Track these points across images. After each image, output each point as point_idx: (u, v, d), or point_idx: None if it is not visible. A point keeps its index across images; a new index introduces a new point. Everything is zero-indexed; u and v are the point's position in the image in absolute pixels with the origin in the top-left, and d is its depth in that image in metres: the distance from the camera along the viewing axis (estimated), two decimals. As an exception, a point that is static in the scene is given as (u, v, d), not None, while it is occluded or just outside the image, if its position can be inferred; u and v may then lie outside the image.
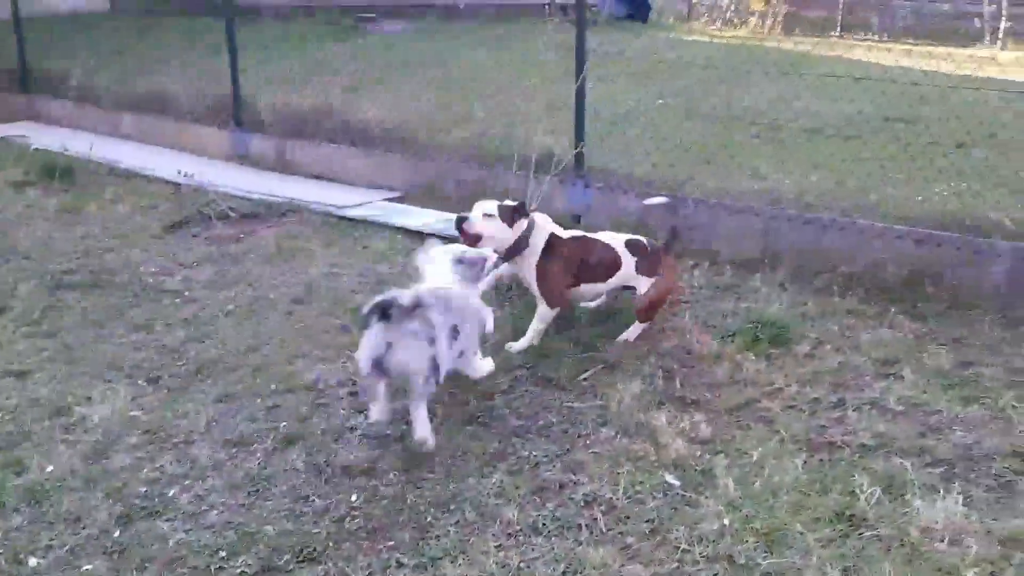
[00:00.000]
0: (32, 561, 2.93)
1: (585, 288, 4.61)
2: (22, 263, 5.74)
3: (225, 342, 4.65)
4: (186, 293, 5.34)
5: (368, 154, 7.62)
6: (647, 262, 4.57)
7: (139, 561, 2.94)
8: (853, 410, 3.93)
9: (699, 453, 3.60)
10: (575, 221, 6.40)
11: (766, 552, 3.00)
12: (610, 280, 4.59)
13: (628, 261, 4.56)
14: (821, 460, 3.54)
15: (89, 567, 2.90)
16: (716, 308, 5.02)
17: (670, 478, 3.43)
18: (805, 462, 3.51)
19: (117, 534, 3.08)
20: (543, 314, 4.53)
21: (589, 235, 4.69)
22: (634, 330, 4.61)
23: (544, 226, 4.59)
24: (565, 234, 4.63)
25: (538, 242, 4.52)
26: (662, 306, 4.65)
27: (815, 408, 3.96)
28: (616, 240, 4.64)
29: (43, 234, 6.34)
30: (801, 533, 3.08)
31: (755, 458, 3.54)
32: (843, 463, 3.52)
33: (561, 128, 6.72)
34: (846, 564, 2.94)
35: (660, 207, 4.48)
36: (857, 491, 3.28)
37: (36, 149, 8.51)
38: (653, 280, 4.55)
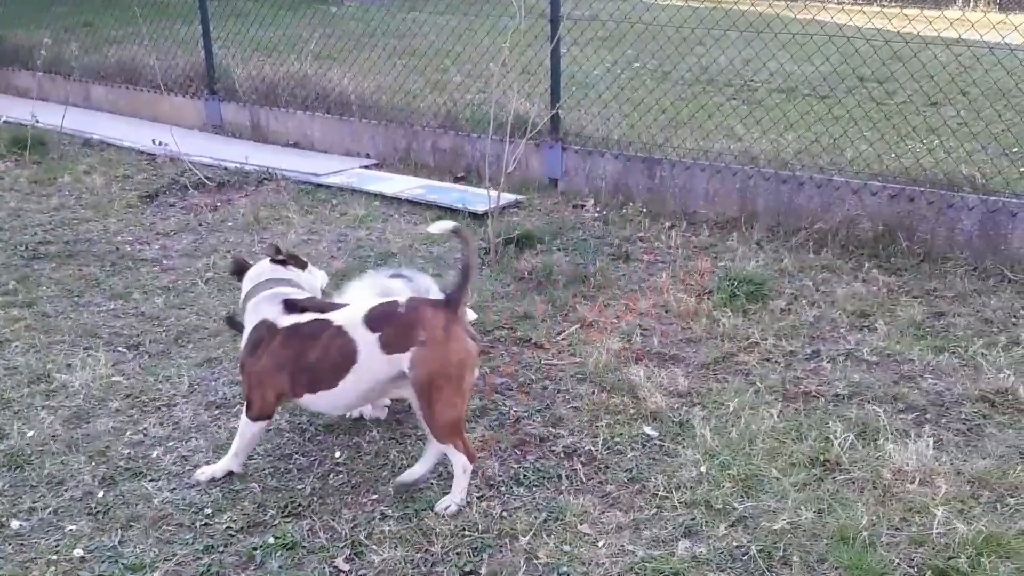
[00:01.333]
0: (15, 523, 2.93)
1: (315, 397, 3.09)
2: (-5, 235, 5.70)
3: (205, 308, 4.65)
4: (164, 262, 5.32)
5: (344, 122, 7.58)
6: (398, 331, 2.94)
7: (124, 520, 2.95)
8: (828, 361, 4.00)
9: (677, 405, 3.65)
10: (553, 185, 6.43)
11: (743, 497, 3.07)
12: (347, 380, 2.99)
13: (367, 342, 2.95)
14: (796, 409, 3.61)
15: (73, 527, 2.91)
16: (693, 267, 5.06)
17: (648, 429, 3.49)
18: (780, 412, 3.57)
19: (101, 495, 3.09)
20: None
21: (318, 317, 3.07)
22: (454, 488, 3.03)
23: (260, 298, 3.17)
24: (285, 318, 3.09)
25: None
26: (459, 403, 2.95)
27: (791, 360, 4.03)
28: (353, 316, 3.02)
29: (15, 206, 6.27)
30: (777, 478, 3.15)
31: (732, 409, 3.60)
32: (818, 412, 3.59)
33: (536, 92, 6.72)
34: (820, 506, 3.01)
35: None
36: (831, 437, 3.35)
37: (5, 121, 8.38)
38: (412, 353, 2.91)
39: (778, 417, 3.53)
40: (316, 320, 3.04)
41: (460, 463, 3.00)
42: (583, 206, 6.06)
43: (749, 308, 4.51)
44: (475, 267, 2.99)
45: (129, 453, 3.35)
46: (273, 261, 3.33)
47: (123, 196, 6.52)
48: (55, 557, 2.77)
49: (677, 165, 5.92)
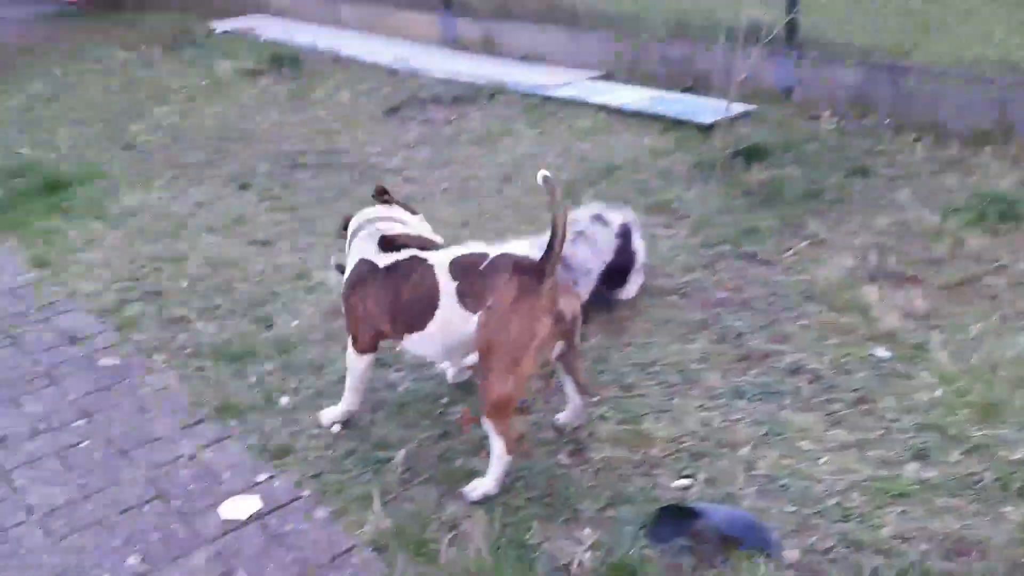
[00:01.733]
0: (283, 400, 3.35)
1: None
2: (260, 145, 6.30)
3: (442, 217, 4.93)
4: (405, 172, 5.68)
5: (573, 33, 7.60)
6: (474, 288, 2.74)
7: (373, 404, 3.29)
8: (1091, 288, 3.67)
9: (912, 328, 3.50)
10: (786, 96, 6.16)
11: (980, 424, 2.93)
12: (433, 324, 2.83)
13: (447, 291, 2.78)
14: (1049, 338, 3.36)
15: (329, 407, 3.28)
16: (939, 184, 4.74)
17: (880, 351, 3.38)
18: (1030, 339, 3.34)
19: (354, 380, 3.45)
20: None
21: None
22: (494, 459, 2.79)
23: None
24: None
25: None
26: (512, 381, 2.67)
27: (1046, 286, 3.73)
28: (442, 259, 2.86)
29: (277, 119, 6.88)
30: (1020, 408, 2.98)
31: (973, 334, 3.41)
32: (1074, 341, 3.32)
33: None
34: (1070, 441, 2.82)
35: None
36: (1088, 369, 3.11)
37: (264, 40, 9.11)
38: (479, 316, 2.71)
39: (1026, 345, 3.31)
40: (413, 257, 2.91)
41: (497, 448, 2.74)
42: (818, 117, 5.77)
43: (999, 228, 4.18)
44: (563, 228, 2.58)
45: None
46: (380, 201, 3.26)
47: (369, 110, 6.96)
48: (316, 431, 3.15)
49: (925, 73, 5.48)
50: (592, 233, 3.72)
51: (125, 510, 2.84)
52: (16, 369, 3.67)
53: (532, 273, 2.65)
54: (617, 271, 3.79)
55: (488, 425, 2.73)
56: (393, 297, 2.90)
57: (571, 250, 3.57)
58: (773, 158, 5.17)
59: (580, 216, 3.77)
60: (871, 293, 3.72)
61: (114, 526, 2.77)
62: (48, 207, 5.27)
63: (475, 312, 2.71)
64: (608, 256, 3.73)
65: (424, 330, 2.84)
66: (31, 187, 5.55)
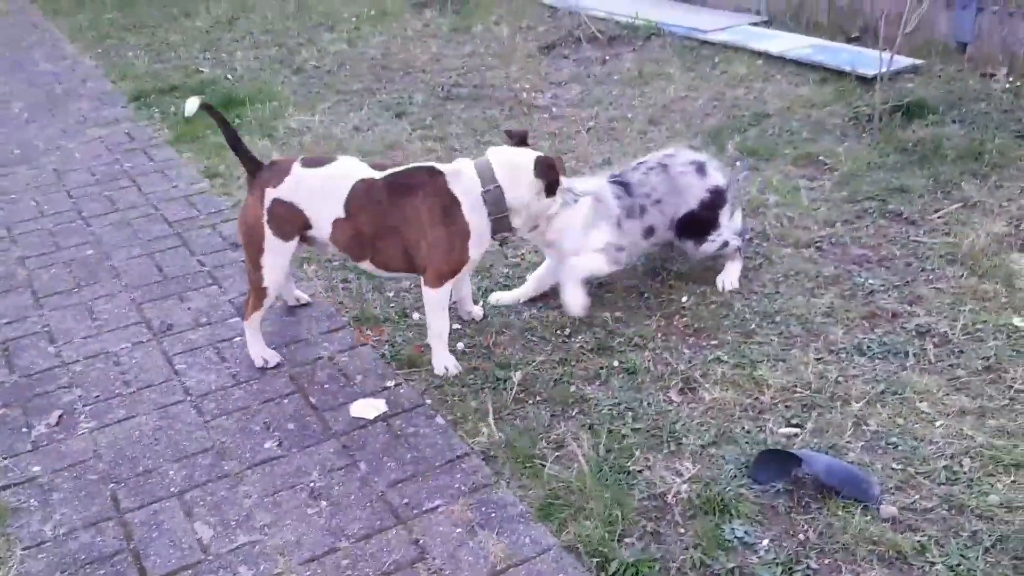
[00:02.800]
0: (415, 316, 3.57)
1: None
2: (418, 76, 6.52)
3: (584, 156, 5.02)
4: (553, 110, 5.76)
5: (739, -24, 7.39)
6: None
7: (497, 326, 3.46)
8: None
9: (1059, 300, 3.35)
10: (960, 50, 5.82)
11: (1116, 405, 2.81)
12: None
13: None
14: None
15: (457, 326, 3.45)
16: (1118, 152, 4.41)
17: (1018, 321, 3.25)
18: None
19: (480, 304, 3.62)
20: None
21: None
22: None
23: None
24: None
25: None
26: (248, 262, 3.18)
27: None
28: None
29: (436, 51, 7.09)
30: None
31: None
32: None
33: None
34: None
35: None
36: None
37: (433, -27, 9.32)
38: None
39: None
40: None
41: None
42: (993, 75, 5.44)
43: None
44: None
45: (508, 272, 3.86)
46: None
47: (524, 46, 7.06)
48: (444, 347, 3.36)
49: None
50: (678, 174, 3.58)
51: (267, 400, 3.14)
52: (184, 267, 4.06)
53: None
54: (697, 224, 3.61)
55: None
56: None
57: (643, 178, 3.56)
58: (935, 115, 4.94)
59: (681, 157, 3.66)
60: (1019, 262, 3.56)
61: (257, 413, 3.08)
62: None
63: None
64: (687, 204, 3.56)
65: None
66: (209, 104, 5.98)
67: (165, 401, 3.16)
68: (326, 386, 3.20)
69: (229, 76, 6.69)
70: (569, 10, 7.59)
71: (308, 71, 6.78)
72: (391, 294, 3.73)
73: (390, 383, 3.18)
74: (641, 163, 3.66)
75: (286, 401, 3.13)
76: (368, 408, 3.06)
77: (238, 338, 3.49)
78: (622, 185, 3.55)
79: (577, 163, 4.90)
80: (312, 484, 2.74)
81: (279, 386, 3.21)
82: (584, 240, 3.40)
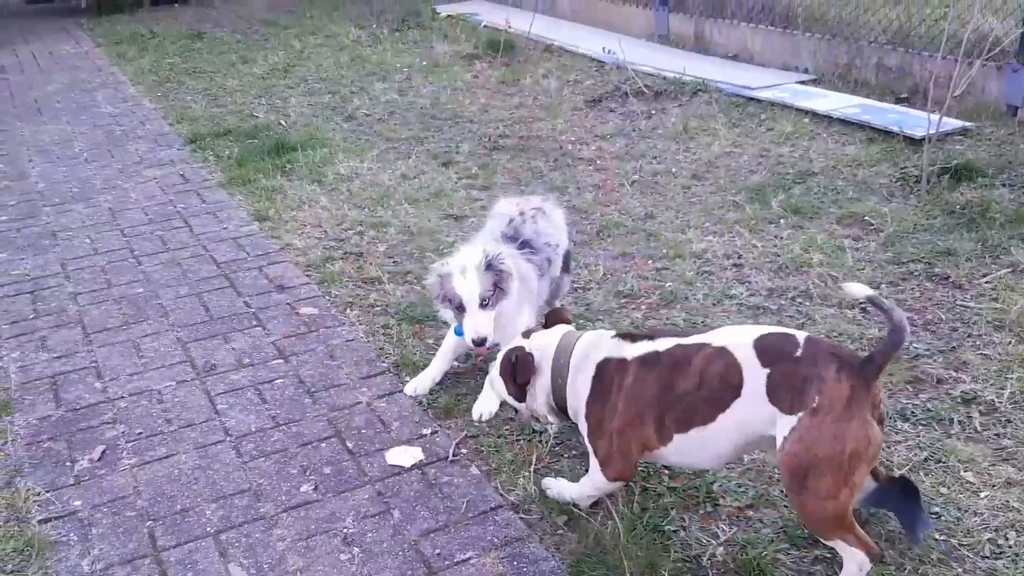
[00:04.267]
0: (454, 363, 3.59)
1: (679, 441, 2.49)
2: (466, 126, 6.64)
3: (626, 208, 5.04)
4: (598, 162, 5.82)
5: (785, 35, 7.44)
6: (788, 381, 2.28)
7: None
8: None
9: (1112, 372, 3.27)
10: (1011, 114, 5.77)
11: None
12: (721, 419, 2.39)
13: (756, 378, 2.33)
14: None
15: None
16: None
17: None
18: None
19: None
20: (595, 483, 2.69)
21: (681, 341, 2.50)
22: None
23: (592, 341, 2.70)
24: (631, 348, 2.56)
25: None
26: (839, 488, 2.24)
27: None
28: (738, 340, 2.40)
29: (484, 102, 7.21)
30: None
31: None
32: None
33: (1007, 7, 5.99)
34: None
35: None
36: None
37: (484, 26, 9.50)
38: (798, 421, 2.25)
39: None
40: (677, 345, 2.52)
41: (855, 561, 2.32)
42: (1044, 140, 5.39)
43: None
44: (906, 331, 2.25)
45: (547, 325, 3.87)
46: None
47: (572, 99, 7.15)
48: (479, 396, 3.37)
49: None
50: (549, 210, 3.57)
51: (305, 444, 3.17)
52: (229, 308, 4.14)
53: (865, 369, 2.23)
54: (568, 256, 3.66)
55: (837, 546, 2.35)
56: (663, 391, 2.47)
57: (535, 227, 3.44)
58: (984, 178, 4.89)
59: (536, 200, 3.62)
60: (1070, 330, 3.49)
61: (294, 456, 3.11)
62: (274, 167, 5.82)
63: (790, 414, 2.26)
64: (567, 240, 3.61)
65: (712, 423, 2.40)
66: (262, 148, 6.14)
67: (205, 440, 3.20)
68: (363, 432, 3.22)
69: (283, 122, 6.87)
70: (617, 65, 7.68)
71: (359, 119, 6.94)
72: (431, 340, 3.76)
73: (427, 431, 3.20)
74: (515, 217, 3.48)
75: (323, 445, 3.16)
76: (404, 455, 3.07)
77: (279, 380, 3.54)
78: (523, 243, 3.38)
79: (620, 215, 4.93)
80: (345, 530, 2.76)
81: (317, 430, 3.24)
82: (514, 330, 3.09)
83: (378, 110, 7.13)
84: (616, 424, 2.51)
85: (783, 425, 2.26)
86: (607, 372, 2.54)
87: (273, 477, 3.01)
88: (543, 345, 2.74)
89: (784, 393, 2.26)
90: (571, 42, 8.80)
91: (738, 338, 2.39)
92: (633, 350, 2.52)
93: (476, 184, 5.48)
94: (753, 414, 2.32)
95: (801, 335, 2.35)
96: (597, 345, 2.61)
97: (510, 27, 8.51)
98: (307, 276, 4.40)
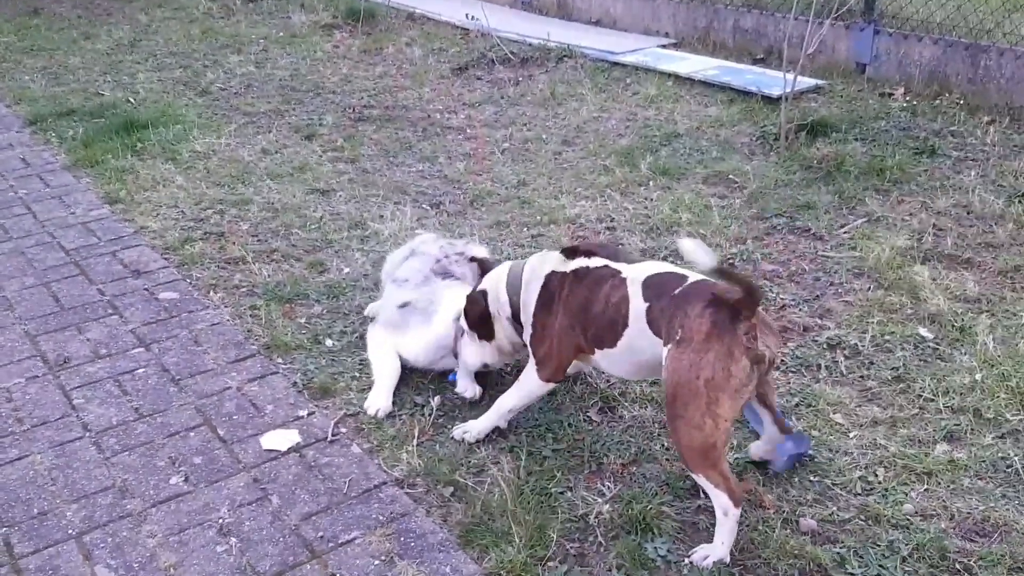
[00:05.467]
0: (328, 342, 3.47)
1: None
2: (329, 97, 6.42)
3: (499, 176, 4.99)
4: (467, 131, 5.74)
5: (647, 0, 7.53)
6: (662, 315, 2.46)
7: (415, 351, 3.38)
8: None
9: (961, 311, 3.45)
10: (860, 71, 6.03)
11: (1019, 410, 2.89)
12: (620, 344, 2.59)
13: (638, 311, 2.53)
14: (1104, 329, 3.28)
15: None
16: (1008, 168, 4.62)
17: (924, 331, 3.34)
18: (1083, 329, 3.27)
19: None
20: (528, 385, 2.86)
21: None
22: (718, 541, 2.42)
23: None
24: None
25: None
26: (709, 426, 2.31)
27: (1108, 277, 3.62)
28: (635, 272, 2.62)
29: (347, 72, 7.00)
30: (1063, 397, 2.93)
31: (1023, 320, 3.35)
32: None
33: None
34: (1110, 432, 2.77)
35: None
36: None
37: (343, -4, 9.23)
38: (667, 351, 2.39)
39: (1079, 334, 3.23)
40: (605, 266, 2.69)
41: (720, 504, 2.38)
42: (891, 95, 5.65)
43: (1068, 216, 4.07)
44: (757, 292, 2.32)
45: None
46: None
47: (437, 68, 7.03)
48: (357, 374, 3.26)
49: (1007, 53, 5.30)
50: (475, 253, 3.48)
51: (172, 434, 2.99)
52: (82, 297, 3.86)
53: (729, 311, 2.31)
54: None
55: (700, 480, 2.41)
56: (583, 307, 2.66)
57: (463, 270, 3.38)
58: (838, 134, 5.09)
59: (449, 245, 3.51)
60: (922, 274, 3.66)
61: (161, 448, 2.93)
62: (124, 147, 5.47)
63: (666, 343, 2.40)
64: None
65: (615, 347, 2.60)
66: (109, 127, 5.76)
67: (62, 438, 2.98)
68: (235, 417, 3.06)
69: (131, 99, 6.47)
70: (482, 32, 7.60)
71: (214, 93, 6.61)
72: (303, 320, 3.61)
73: (303, 412, 3.07)
74: (441, 258, 3.41)
75: (192, 434, 2.99)
76: (280, 439, 2.94)
77: (141, 369, 3.33)
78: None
79: (492, 184, 4.88)
80: (221, 520, 2.61)
81: (185, 419, 3.07)
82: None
83: (234, 84, 6.81)
84: (555, 329, 2.72)
85: (663, 355, 2.41)
86: (552, 283, 2.75)
87: (139, 471, 2.82)
88: (494, 279, 2.97)
89: (660, 325, 2.45)
90: (434, 9, 8.65)
91: (637, 273, 2.59)
92: (572, 265, 2.73)
93: (342, 157, 5.31)
94: (641, 342, 2.52)
95: (694, 275, 2.49)
96: (544, 260, 2.81)
97: (370, -4, 8.31)
98: (165, 259, 4.16)
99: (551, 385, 2.83)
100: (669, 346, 2.38)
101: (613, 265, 2.66)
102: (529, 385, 2.83)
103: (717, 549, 2.40)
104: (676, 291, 2.45)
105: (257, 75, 7.01)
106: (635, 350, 2.56)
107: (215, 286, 3.89)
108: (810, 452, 2.75)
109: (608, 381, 3.15)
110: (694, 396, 2.30)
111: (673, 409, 2.36)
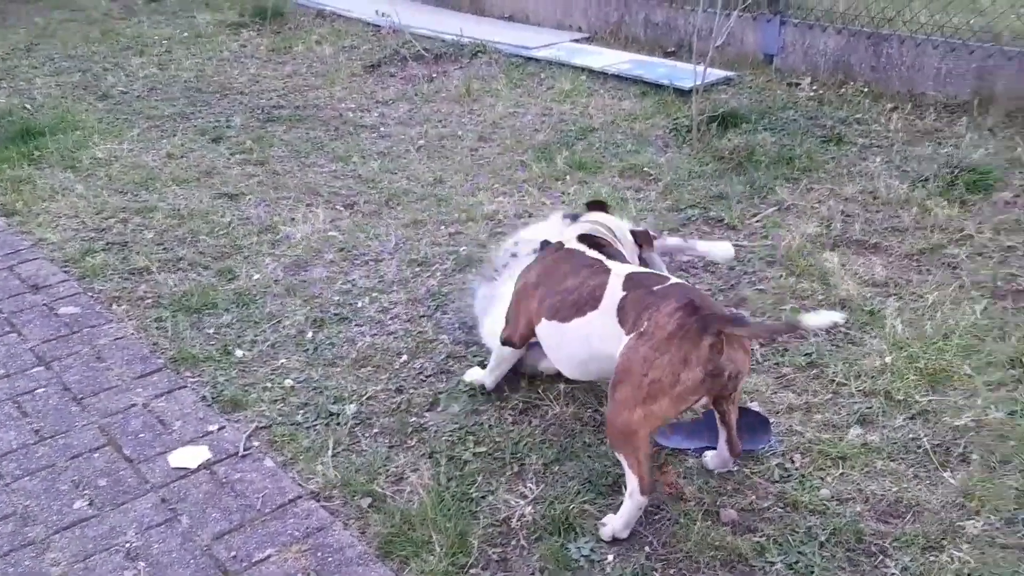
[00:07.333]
0: (238, 352, 3.35)
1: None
2: (236, 98, 6.24)
3: (415, 174, 4.92)
4: (381, 129, 5.64)
5: (558, -6, 7.53)
6: (635, 306, 2.45)
7: (330, 358, 3.30)
8: (1050, 260, 3.68)
9: (870, 295, 3.52)
10: (768, 62, 6.12)
11: (927, 391, 2.96)
12: (575, 322, 2.59)
13: (613, 297, 2.52)
14: (1004, 308, 3.38)
15: (286, 361, 3.29)
16: (911, 153, 4.74)
17: (835, 316, 3.39)
18: (985, 308, 3.36)
19: (311, 335, 3.45)
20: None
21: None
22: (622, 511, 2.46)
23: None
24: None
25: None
26: (640, 413, 2.33)
27: (1007, 256, 3.74)
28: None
29: (255, 72, 6.82)
30: (968, 376, 3.00)
31: (930, 302, 3.43)
32: (1029, 312, 3.35)
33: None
34: (1014, 407, 2.84)
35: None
36: (1038, 339, 3.13)
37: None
38: (628, 339, 2.39)
39: (981, 314, 3.32)
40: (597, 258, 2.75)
41: (631, 484, 2.41)
42: (798, 84, 5.75)
43: (968, 199, 4.19)
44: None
45: (338, 300, 3.70)
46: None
47: (349, 65, 6.90)
48: (269, 385, 3.16)
49: (907, 41, 5.44)
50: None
51: (75, 456, 2.85)
52: (-24, 315, 3.67)
53: (699, 319, 2.30)
54: None
55: (619, 457, 2.43)
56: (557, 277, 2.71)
57: None
58: (748, 124, 5.15)
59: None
60: (832, 260, 3.72)
61: (64, 471, 2.79)
62: (20, 155, 5.22)
63: (628, 332, 2.41)
64: None
65: (567, 323, 2.60)
66: (5, 136, 5.48)
67: (-46, 467, 2.81)
68: (141, 436, 2.94)
69: (28, 105, 6.17)
70: (393, 28, 7.49)
71: (115, 97, 6.36)
72: (211, 331, 3.49)
73: (213, 427, 2.96)
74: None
75: (96, 455, 2.85)
76: (189, 456, 2.83)
77: (41, 389, 3.17)
78: None
79: (409, 182, 4.80)
80: (128, 544, 2.50)
81: (88, 439, 2.93)
82: None
83: (136, 87, 6.56)
84: (519, 289, 2.82)
85: (623, 342, 2.40)
86: (547, 251, 2.87)
87: (41, 497, 2.68)
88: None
89: (628, 314, 2.43)
90: (344, 6, 8.50)
91: (624, 269, 2.62)
92: (571, 243, 2.81)
93: (251, 159, 5.16)
94: (600, 328, 2.50)
95: (675, 280, 2.53)
96: (563, 235, 2.91)
97: (278, -7, 8.12)
98: (65, 272, 3.97)
99: (509, 350, 2.90)
100: (632, 334, 2.38)
101: (606, 262, 2.68)
102: (497, 348, 2.95)
103: (615, 522, 2.45)
104: (656, 287, 2.46)
105: (161, 77, 6.77)
106: (587, 336, 2.54)
107: (118, 298, 3.74)
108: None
109: (530, 381, 3.12)
110: (636, 388, 2.31)
111: (613, 388, 2.38)
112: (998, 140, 4.78)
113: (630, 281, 2.52)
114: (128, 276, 3.90)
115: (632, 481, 2.40)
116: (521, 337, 2.86)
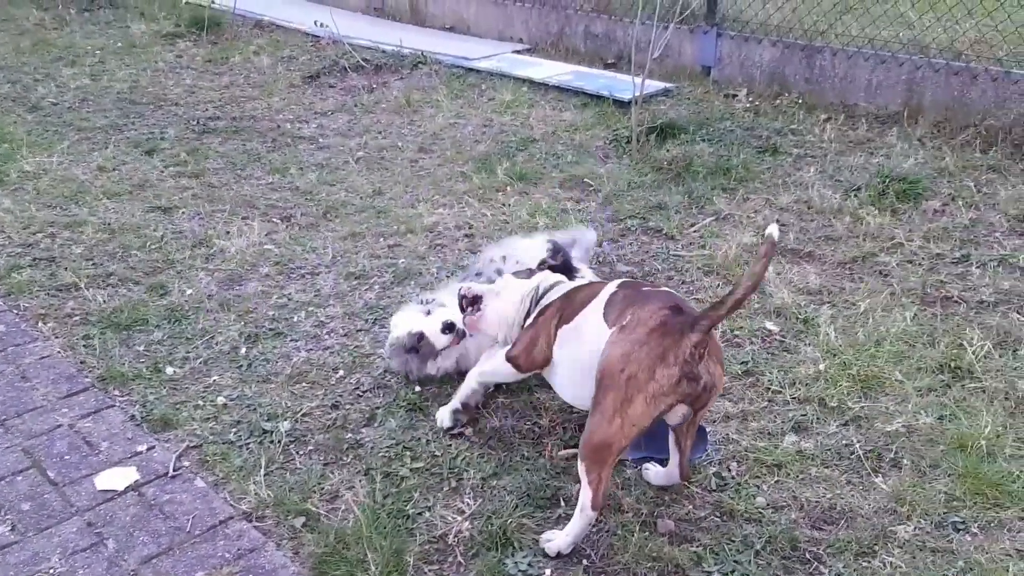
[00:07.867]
0: (169, 370, 3.27)
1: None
2: (171, 109, 6.12)
3: (354, 186, 4.87)
4: (320, 140, 5.58)
5: (498, 5, 7.54)
6: (620, 301, 2.49)
7: (264, 374, 3.24)
8: (977, 266, 3.77)
9: (804, 303, 3.57)
10: (705, 73, 6.20)
11: (860, 397, 3.00)
12: (575, 319, 2.63)
13: (604, 295, 2.57)
14: (933, 314, 3.45)
15: (218, 378, 3.22)
16: (844, 163, 4.83)
17: (770, 325, 3.43)
18: (915, 315, 3.43)
19: (245, 351, 3.38)
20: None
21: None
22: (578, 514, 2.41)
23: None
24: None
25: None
26: (617, 424, 2.29)
27: (936, 264, 3.82)
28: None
29: (191, 83, 6.70)
30: (900, 381, 3.05)
31: (862, 309, 3.49)
32: (956, 317, 3.42)
33: (696, -26, 6.41)
34: (943, 412, 2.90)
35: None
36: (966, 344, 3.20)
37: (187, 2, 8.85)
38: (610, 334, 2.39)
39: (911, 320, 3.39)
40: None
41: (583, 499, 2.37)
42: (735, 96, 5.83)
43: (899, 208, 4.28)
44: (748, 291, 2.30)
45: (273, 315, 3.63)
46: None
47: (287, 76, 6.82)
48: (201, 403, 3.08)
49: (839, 54, 5.56)
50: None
51: (-4, 480, 2.75)
52: None
53: (683, 317, 2.32)
54: None
55: (581, 469, 2.36)
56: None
57: None
58: (686, 135, 5.21)
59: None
60: (767, 269, 3.76)
61: (-17, 496, 2.68)
62: (-58, 169, 5.05)
63: (611, 326, 2.41)
64: None
65: (570, 323, 2.58)
66: (-75, 148, 5.31)
67: None
68: (67, 457, 2.84)
69: (-49, 116, 5.98)
70: (333, 39, 7.43)
71: (45, 108, 6.18)
72: (141, 348, 3.40)
73: (142, 447, 2.87)
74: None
75: (19, 479, 2.75)
76: (117, 478, 2.74)
77: (-41, 412, 3.05)
78: None
79: (347, 194, 4.75)
80: (52, 570, 2.41)
81: (11, 462, 2.82)
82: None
83: (67, 98, 6.39)
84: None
85: (606, 339, 2.38)
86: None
87: (-42, 525, 2.58)
88: None
89: (613, 309, 2.45)
90: (282, 16, 8.41)
91: (622, 280, 2.65)
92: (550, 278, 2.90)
93: (186, 172, 5.05)
94: (588, 323, 2.50)
95: (665, 291, 2.54)
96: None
97: (215, 2, 7.98)
98: (-11, 289, 3.85)
99: (511, 369, 2.81)
100: (614, 329, 2.38)
101: (618, 289, 2.59)
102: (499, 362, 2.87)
103: (561, 539, 2.41)
104: (645, 288, 2.51)
105: (93, 88, 6.61)
106: (579, 329, 2.53)
107: (45, 316, 3.62)
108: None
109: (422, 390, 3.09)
110: (614, 388, 2.29)
111: (596, 394, 2.34)
112: (927, 150, 4.91)
113: (623, 284, 2.58)
114: (55, 292, 3.79)
115: (587, 495, 2.35)
116: (533, 363, 2.73)
